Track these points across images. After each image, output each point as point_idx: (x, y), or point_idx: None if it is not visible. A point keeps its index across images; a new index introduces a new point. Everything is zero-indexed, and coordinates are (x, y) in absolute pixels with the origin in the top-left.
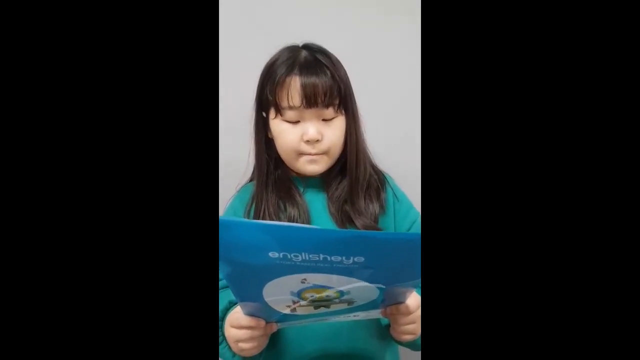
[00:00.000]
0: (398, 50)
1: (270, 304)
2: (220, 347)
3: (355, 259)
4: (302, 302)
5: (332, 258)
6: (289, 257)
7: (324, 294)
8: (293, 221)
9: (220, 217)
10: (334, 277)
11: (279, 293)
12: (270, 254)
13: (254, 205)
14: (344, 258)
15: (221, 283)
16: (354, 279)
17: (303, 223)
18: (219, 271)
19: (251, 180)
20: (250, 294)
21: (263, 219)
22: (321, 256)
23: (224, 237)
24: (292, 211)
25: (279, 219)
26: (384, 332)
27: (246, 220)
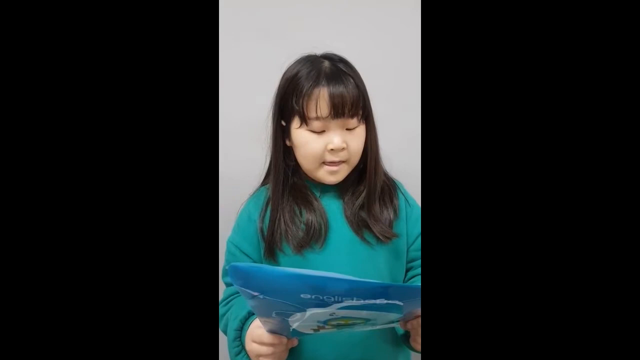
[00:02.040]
0: (398, 51)
1: (294, 327)
2: (239, 356)
3: (391, 302)
4: (327, 327)
5: (366, 301)
6: (321, 298)
7: (351, 322)
8: (311, 227)
9: (250, 265)
10: (364, 312)
11: (305, 321)
12: (302, 295)
13: (268, 210)
14: (378, 300)
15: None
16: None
17: (321, 228)
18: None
19: (264, 183)
20: (275, 320)
21: (278, 225)
22: (355, 299)
23: (255, 282)
24: (309, 217)
25: (295, 225)
26: (397, 339)
27: (277, 268)
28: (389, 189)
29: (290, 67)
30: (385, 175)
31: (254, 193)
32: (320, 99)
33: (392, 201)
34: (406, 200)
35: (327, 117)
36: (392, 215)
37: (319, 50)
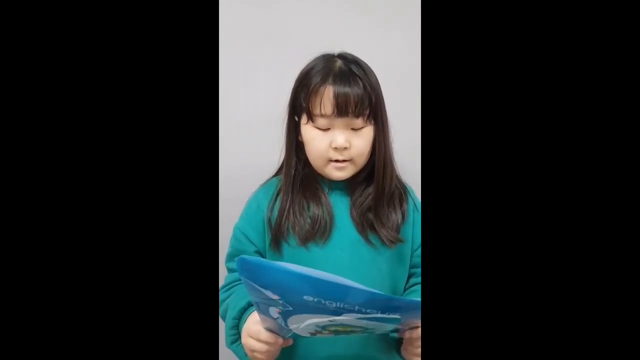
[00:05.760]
0: (398, 52)
1: (292, 329)
2: (234, 345)
3: (391, 315)
4: (325, 332)
5: (368, 311)
6: (323, 302)
7: (349, 329)
8: (317, 221)
9: (259, 260)
10: (364, 321)
11: (304, 325)
12: (304, 297)
13: (278, 202)
14: (379, 313)
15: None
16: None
17: (327, 223)
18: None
19: (275, 175)
20: (274, 319)
21: (287, 216)
22: (356, 308)
23: (260, 277)
24: (316, 211)
25: (303, 218)
26: (391, 340)
27: (285, 265)
28: (400, 192)
29: (307, 64)
30: (398, 179)
31: (265, 183)
32: (325, 97)
33: (401, 205)
34: (414, 204)
35: (331, 115)
36: (400, 220)
37: (336, 50)
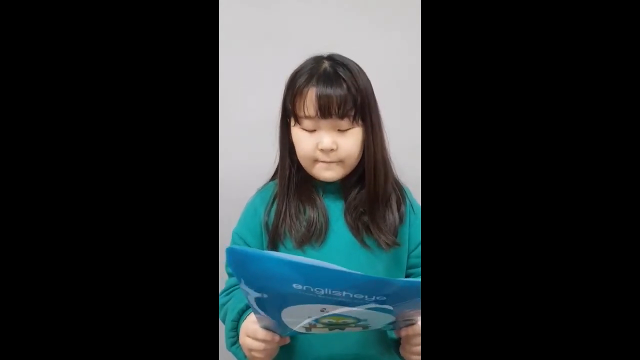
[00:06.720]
0: (398, 52)
1: (287, 323)
2: (234, 347)
3: (378, 298)
4: (319, 325)
5: (355, 295)
6: (312, 290)
7: (342, 320)
8: (312, 224)
9: (247, 249)
10: (354, 309)
11: (297, 316)
12: (294, 285)
13: (274, 205)
14: (366, 296)
15: (221, 298)
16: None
17: (322, 226)
18: (226, 284)
19: (272, 179)
20: (268, 313)
21: (283, 219)
22: (344, 293)
23: (250, 267)
24: (311, 214)
25: (299, 221)
26: (389, 340)
27: (274, 254)
28: (398, 195)
29: (299, 66)
30: (396, 182)
31: (262, 187)
32: (307, 99)
33: (399, 207)
34: (411, 206)
35: (314, 117)
36: (397, 222)
37: (327, 51)
